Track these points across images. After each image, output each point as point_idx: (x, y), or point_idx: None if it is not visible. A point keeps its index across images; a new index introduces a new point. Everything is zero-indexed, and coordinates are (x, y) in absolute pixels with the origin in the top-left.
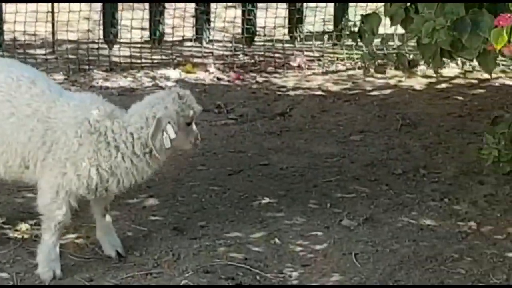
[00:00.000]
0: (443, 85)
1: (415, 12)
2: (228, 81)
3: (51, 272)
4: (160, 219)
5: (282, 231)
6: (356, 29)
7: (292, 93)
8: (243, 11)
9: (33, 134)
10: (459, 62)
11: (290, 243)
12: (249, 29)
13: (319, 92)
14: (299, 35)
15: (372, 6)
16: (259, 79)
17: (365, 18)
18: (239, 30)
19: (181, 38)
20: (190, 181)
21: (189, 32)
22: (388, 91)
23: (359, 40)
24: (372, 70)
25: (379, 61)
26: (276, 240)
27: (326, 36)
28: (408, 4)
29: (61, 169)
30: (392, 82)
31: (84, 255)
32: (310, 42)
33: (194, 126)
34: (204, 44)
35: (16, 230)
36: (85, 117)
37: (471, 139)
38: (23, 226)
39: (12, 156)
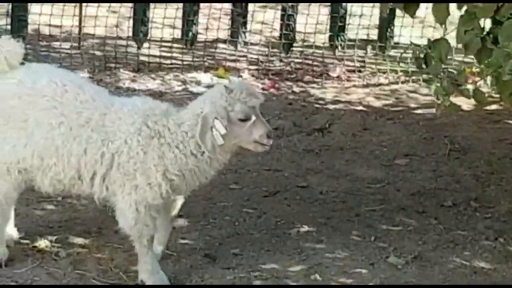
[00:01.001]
0: (493, 107)
1: (492, 42)
2: (263, 89)
3: (163, 279)
4: (190, 243)
5: (323, 266)
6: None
7: (331, 106)
8: (282, 15)
9: (89, 145)
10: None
11: (332, 280)
12: (287, 35)
13: (360, 107)
14: (340, 44)
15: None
16: (296, 89)
17: (432, 43)
18: (276, 33)
19: (214, 40)
20: (222, 200)
21: (223, 34)
22: (434, 110)
23: (424, 67)
24: (445, 105)
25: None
26: (317, 276)
27: (369, 46)
28: (485, 33)
29: (131, 182)
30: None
31: (107, 279)
32: (351, 51)
33: (260, 123)
34: (239, 47)
35: (35, 247)
36: (142, 121)
37: None
38: (42, 243)
39: (64, 169)
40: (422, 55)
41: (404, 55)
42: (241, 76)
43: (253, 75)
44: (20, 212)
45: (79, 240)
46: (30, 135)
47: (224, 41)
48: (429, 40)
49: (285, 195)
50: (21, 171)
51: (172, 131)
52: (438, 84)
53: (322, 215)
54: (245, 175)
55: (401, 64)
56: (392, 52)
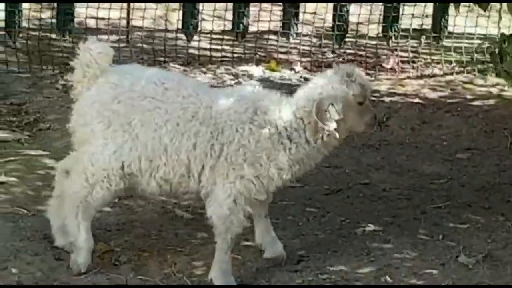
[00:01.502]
0: None
1: None
2: None
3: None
4: (253, 245)
5: (392, 267)
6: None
7: (387, 99)
8: (335, 6)
9: (198, 139)
10: None
11: (403, 281)
12: (340, 26)
13: (417, 100)
14: (394, 34)
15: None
16: None
17: (508, 38)
18: (328, 24)
19: (265, 31)
20: (284, 199)
21: (274, 25)
22: (491, 101)
23: (499, 62)
24: None
25: None
26: (387, 277)
27: (423, 37)
28: None
29: (238, 173)
30: (494, 90)
31: (171, 284)
32: (404, 41)
33: (369, 106)
34: (291, 40)
35: (93, 252)
36: (253, 111)
37: None
38: (101, 246)
39: (174, 168)
40: (497, 50)
41: (458, 44)
42: (293, 69)
43: (305, 68)
44: None
45: (139, 244)
46: (135, 138)
47: (276, 33)
48: (503, 34)
49: (347, 192)
50: (125, 176)
51: (286, 119)
52: None
53: (387, 213)
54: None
55: (455, 55)
56: (446, 42)
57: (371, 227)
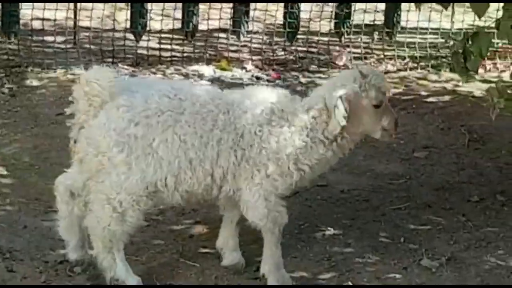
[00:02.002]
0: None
1: None
2: (268, 80)
3: (284, 277)
4: (211, 252)
5: (354, 272)
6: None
7: None
8: (286, 3)
9: (221, 147)
10: None
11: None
12: (291, 23)
13: None
14: (346, 30)
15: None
16: (302, 79)
17: (473, 37)
18: (279, 21)
19: (215, 30)
20: None
21: (224, 23)
22: (446, 98)
23: (463, 62)
24: (499, 108)
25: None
26: (349, 283)
27: (375, 32)
28: None
29: (262, 173)
30: (448, 86)
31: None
32: (357, 37)
33: (388, 109)
34: (242, 38)
35: (46, 262)
36: (270, 111)
37: None
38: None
39: (198, 179)
40: (460, 49)
41: (411, 40)
42: (244, 68)
43: (257, 66)
44: (28, 224)
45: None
46: (159, 158)
47: (226, 31)
48: (467, 33)
49: (305, 195)
50: (151, 194)
51: (302, 118)
52: (493, 85)
53: (346, 216)
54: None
55: (408, 50)
56: (399, 38)
57: (330, 230)
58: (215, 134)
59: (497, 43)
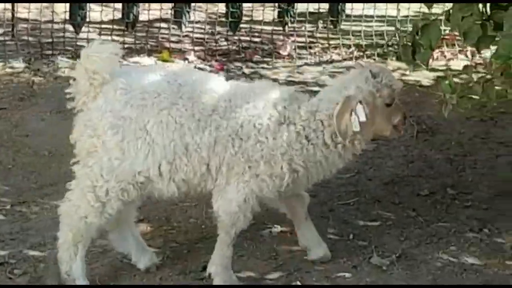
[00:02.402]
0: (455, 80)
1: (494, 29)
2: (211, 71)
3: (231, 279)
4: (155, 251)
5: (302, 271)
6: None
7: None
8: None
9: (218, 133)
10: (468, 53)
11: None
12: (234, 12)
13: (317, 88)
14: (290, 19)
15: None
16: (246, 70)
17: (422, 29)
18: (221, 10)
19: (156, 20)
20: (185, 201)
21: (165, 13)
22: None
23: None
24: (452, 106)
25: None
26: (298, 283)
27: (320, 21)
28: (484, 19)
29: (253, 171)
30: (395, 75)
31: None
32: (301, 26)
33: (399, 107)
34: (184, 28)
35: None
36: (273, 106)
37: (499, 149)
38: None
39: (194, 167)
40: (409, 42)
41: (356, 28)
42: (186, 59)
43: (199, 57)
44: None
45: (35, 254)
46: (152, 142)
47: (167, 21)
48: (416, 24)
49: None
50: (142, 183)
51: (304, 118)
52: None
53: None
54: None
55: (353, 38)
56: (344, 26)
57: (278, 228)
58: (214, 120)
59: (444, 30)
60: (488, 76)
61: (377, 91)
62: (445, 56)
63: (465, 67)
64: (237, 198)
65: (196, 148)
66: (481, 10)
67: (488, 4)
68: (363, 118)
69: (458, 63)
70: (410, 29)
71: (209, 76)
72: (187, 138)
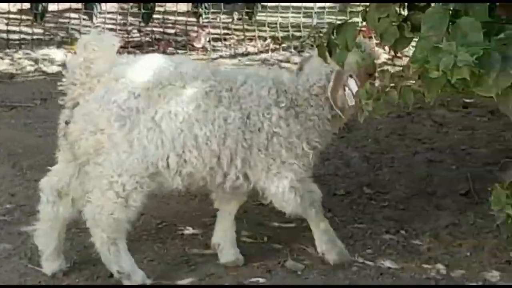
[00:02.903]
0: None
1: (411, 30)
2: None
3: (342, 249)
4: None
5: (215, 276)
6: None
7: None
8: None
9: (228, 126)
10: (386, 47)
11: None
12: (146, 3)
13: None
14: (204, 11)
15: None
16: None
17: (338, 28)
18: None
19: (66, 11)
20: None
21: (76, 4)
22: None
23: (328, 55)
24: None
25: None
26: None
27: (235, 12)
28: (402, 20)
29: (278, 161)
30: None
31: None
32: (215, 17)
33: (375, 77)
34: (95, 20)
35: None
36: (277, 92)
37: (416, 146)
38: None
39: (204, 160)
40: (325, 42)
41: (273, 19)
42: None
43: None
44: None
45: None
46: (160, 134)
47: (78, 11)
48: (331, 24)
49: None
50: (152, 175)
51: (305, 97)
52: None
53: (206, 214)
54: None
55: (269, 30)
56: (259, 17)
57: (189, 230)
58: (221, 112)
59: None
60: (407, 82)
61: (362, 60)
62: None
63: (382, 71)
64: (285, 193)
65: (202, 144)
66: (398, 11)
67: (405, 5)
68: (355, 89)
69: None
70: (327, 20)
71: (206, 64)
72: (195, 130)
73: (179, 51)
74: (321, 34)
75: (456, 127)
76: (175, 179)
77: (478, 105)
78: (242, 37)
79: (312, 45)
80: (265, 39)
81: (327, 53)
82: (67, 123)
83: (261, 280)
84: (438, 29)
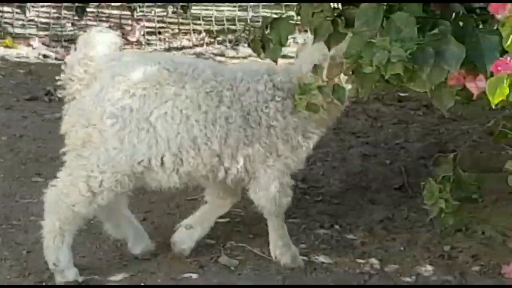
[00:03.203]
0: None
1: (345, 26)
2: (56, 58)
3: (296, 253)
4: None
5: (147, 272)
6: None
7: None
8: None
9: (230, 126)
10: None
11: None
12: None
13: None
14: (139, 5)
15: None
16: None
17: (271, 24)
18: None
19: None
20: (25, 197)
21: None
22: None
23: (262, 51)
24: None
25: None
26: (142, 284)
27: (170, 6)
28: (336, 15)
29: (274, 154)
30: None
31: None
32: (150, 10)
33: None
34: (28, 13)
35: None
36: (273, 85)
37: (350, 140)
38: None
39: (203, 160)
40: (259, 37)
41: (208, 13)
42: (31, 45)
43: (44, 43)
44: None
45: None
46: (155, 134)
47: (10, 4)
48: (265, 18)
49: None
50: (136, 175)
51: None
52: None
53: (139, 209)
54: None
55: (204, 24)
56: (194, 10)
57: None
58: (222, 112)
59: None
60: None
61: None
62: (297, 43)
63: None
64: (272, 184)
65: (201, 143)
66: (332, 6)
67: None
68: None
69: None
70: (263, 14)
71: (205, 62)
72: (194, 131)
73: None
74: (255, 28)
75: (390, 121)
76: (171, 177)
77: (413, 99)
78: (177, 30)
79: (246, 39)
80: (200, 32)
81: (260, 48)
82: None
83: (193, 275)
84: (372, 24)
